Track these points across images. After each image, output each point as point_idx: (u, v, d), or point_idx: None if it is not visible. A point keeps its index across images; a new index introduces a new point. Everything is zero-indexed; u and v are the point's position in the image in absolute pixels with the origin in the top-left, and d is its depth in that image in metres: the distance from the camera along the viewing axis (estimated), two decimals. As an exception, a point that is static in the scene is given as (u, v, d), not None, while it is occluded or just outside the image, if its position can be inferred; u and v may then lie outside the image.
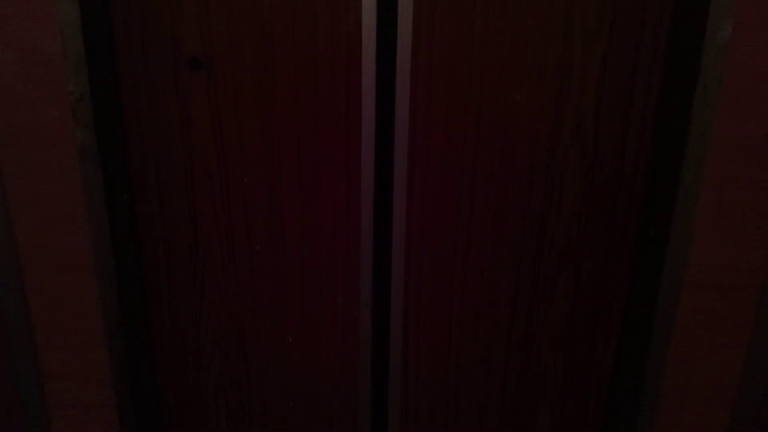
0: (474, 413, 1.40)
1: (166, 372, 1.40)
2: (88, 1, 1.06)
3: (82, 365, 1.28)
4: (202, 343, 1.37)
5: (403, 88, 1.14)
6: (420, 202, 1.22)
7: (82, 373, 1.29)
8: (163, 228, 1.28)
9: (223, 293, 1.32)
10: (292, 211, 1.25)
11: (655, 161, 1.19)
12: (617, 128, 1.17)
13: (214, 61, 1.15)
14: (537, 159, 1.19)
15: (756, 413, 1.24)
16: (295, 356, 1.37)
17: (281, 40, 1.13)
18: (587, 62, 1.13)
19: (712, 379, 1.24)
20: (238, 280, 1.31)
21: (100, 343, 1.27)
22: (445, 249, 1.26)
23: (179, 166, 1.22)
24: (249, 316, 1.34)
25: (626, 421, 1.32)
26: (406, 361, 1.35)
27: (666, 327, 1.20)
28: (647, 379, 1.24)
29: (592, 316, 1.31)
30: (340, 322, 1.33)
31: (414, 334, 1.33)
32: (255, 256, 1.29)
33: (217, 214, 1.26)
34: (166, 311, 1.35)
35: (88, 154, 1.13)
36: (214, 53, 1.14)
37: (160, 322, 1.36)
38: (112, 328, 1.25)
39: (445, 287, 1.29)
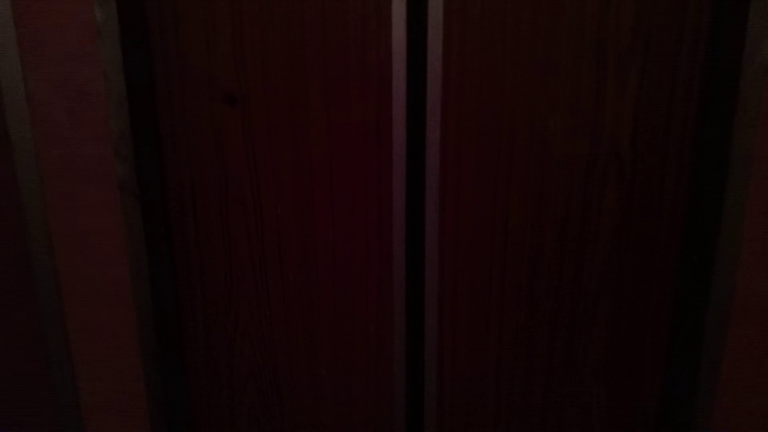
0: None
1: (199, 401, 1.41)
2: (129, 43, 1.11)
3: (119, 396, 1.30)
4: (236, 372, 1.37)
5: (433, 117, 1.14)
6: (453, 231, 1.21)
7: (119, 404, 1.30)
8: (198, 259, 1.29)
9: (257, 322, 1.33)
10: (324, 240, 1.25)
11: (696, 185, 1.15)
12: (656, 151, 1.14)
13: (249, 96, 1.18)
14: (573, 184, 1.17)
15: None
16: (328, 386, 1.35)
17: (313, 72, 1.15)
18: (622, 84, 1.11)
19: (764, 412, 1.18)
20: (272, 309, 1.31)
21: (137, 374, 1.28)
22: (479, 277, 1.24)
23: (215, 198, 1.25)
24: (282, 346, 1.34)
25: (674, 456, 1.26)
26: (441, 393, 1.32)
27: (715, 358, 1.15)
28: (696, 412, 1.19)
29: (635, 344, 1.26)
30: (373, 351, 1.32)
31: (449, 364, 1.30)
32: (288, 286, 1.29)
33: (251, 245, 1.27)
34: (201, 340, 1.36)
35: (127, 188, 1.16)
36: (248, 89, 1.17)
37: (194, 351, 1.37)
38: (149, 359, 1.27)
39: (481, 315, 1.27)
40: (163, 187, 1.25)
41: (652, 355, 1.27)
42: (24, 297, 1.25)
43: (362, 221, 1.23)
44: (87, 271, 1.23)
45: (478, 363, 1.30)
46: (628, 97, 1.12)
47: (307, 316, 1.31)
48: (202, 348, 1.36)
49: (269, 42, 1.14)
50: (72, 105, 1.13)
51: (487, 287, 1.25)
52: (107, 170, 1.15)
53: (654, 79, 1.11)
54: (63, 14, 1.08)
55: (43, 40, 1.10)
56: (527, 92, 1.13)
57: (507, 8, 1.08)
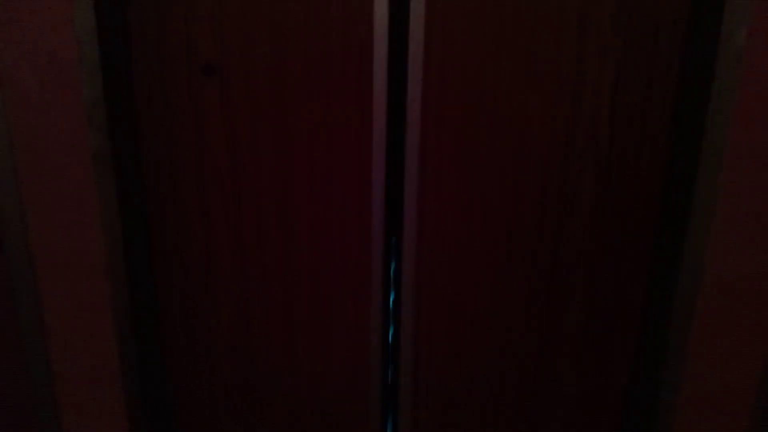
0: (486, 424, 1.39)
1: (176, 375, 1.41)
2: (105, 9, 1.08)
3: (93, 367, 1.29)
4: (213, 347, 1.37)
5: (414, 95, 1.14)
6: (432, 208, 1.22)
7: (93, 376, 1.30)
8: (175, 232, 1.28)
9: (234, 298, 1.33)
10: (303, 216, 1.25)
11: (670, 169, 1.18)
12: (632, 135, 1.16)
13: (228, 67, 1.16)
14: (551, 166, 1.18)
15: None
16: (305, 362, 1.37)
17: (294, 47, 1.14)
18: (602, 69, 1.12)
19: (729, 388, 1.22)
20: (249, 285, 1.31)
21: (112, 346, 1.27)
22: (458, 256, 1.25)
23: (192, 170, 1.23)
24: (259, 321, 1.34)
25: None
26: (417, 370, 1.34)
27: (682, 336, 1.18)
28: (663, 389, 1.23)
29: (607, 325, 1.30)
30: (351, 329, 1.33)
31: (425, 342, 1.32)
32: (266, 261, 1.29)
33: (229, 219, 1.26)
34: (178, 314, 1.35)
35: (101, 157, 1.14)
36: (228, 60, 1.15)
37: (171, 325, 1.36)
38: (124, 331, 1.26)
39: (458, 295, 1.28)
40: (138, 157, 1.23)
41: (623, 335, 1.30)
42: (-5, 267, 1.23)
43: (341, 195, 1.23)
44: (60, 242, 1.21)
45: (454, 339, 1.32)
46: (606, 80, 1.13)
47: (285, 292, 1.31)
48: (178, 320, 1.36)
49: (249, 11, 1.12)
50: (44, 72, 1.10)
51: (464, 263, 1.26)
52: (80, 139, 1.13)
53: (633, 62, 1.12)
54: (35, -24, 1.04)
55: (13, 2, 1.06)
56: (509, 74, 1.13)
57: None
